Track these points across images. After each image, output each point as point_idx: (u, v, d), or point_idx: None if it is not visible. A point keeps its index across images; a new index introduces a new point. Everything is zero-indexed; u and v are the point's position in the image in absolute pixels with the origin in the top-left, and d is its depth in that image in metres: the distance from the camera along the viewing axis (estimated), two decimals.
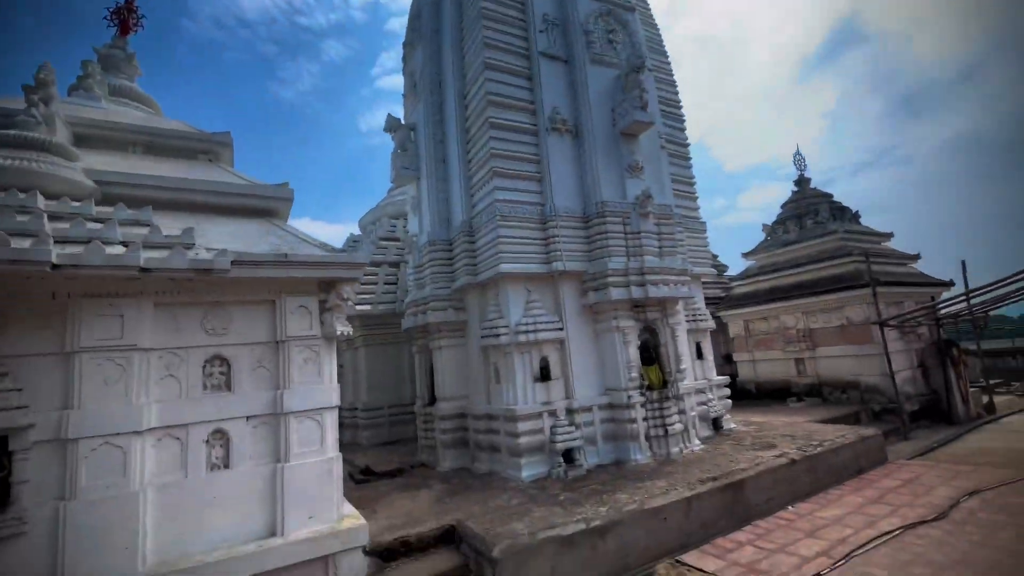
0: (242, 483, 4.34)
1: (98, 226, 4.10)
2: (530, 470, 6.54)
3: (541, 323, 7.09)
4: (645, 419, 7.08)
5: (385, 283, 11.59)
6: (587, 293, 7.52)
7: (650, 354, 7.64)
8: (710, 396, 8.44)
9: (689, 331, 8.66)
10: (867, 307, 10.60)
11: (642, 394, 7.13)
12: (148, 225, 4.42)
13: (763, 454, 6.62)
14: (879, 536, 4.89)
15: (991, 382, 13.09)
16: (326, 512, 4.54)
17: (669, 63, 10.18)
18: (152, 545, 3.88)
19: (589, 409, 7.15)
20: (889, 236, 13.76)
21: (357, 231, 15.38)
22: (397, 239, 12.53)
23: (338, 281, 4.92)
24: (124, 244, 4.00)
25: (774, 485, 6.00)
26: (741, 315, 13.76)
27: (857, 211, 13.84)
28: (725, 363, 14.40)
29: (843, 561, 4.44)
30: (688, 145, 9.91)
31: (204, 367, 4.40)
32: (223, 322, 4.55)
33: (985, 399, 11.60)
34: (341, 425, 10.90)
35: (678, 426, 7.20)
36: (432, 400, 8.29)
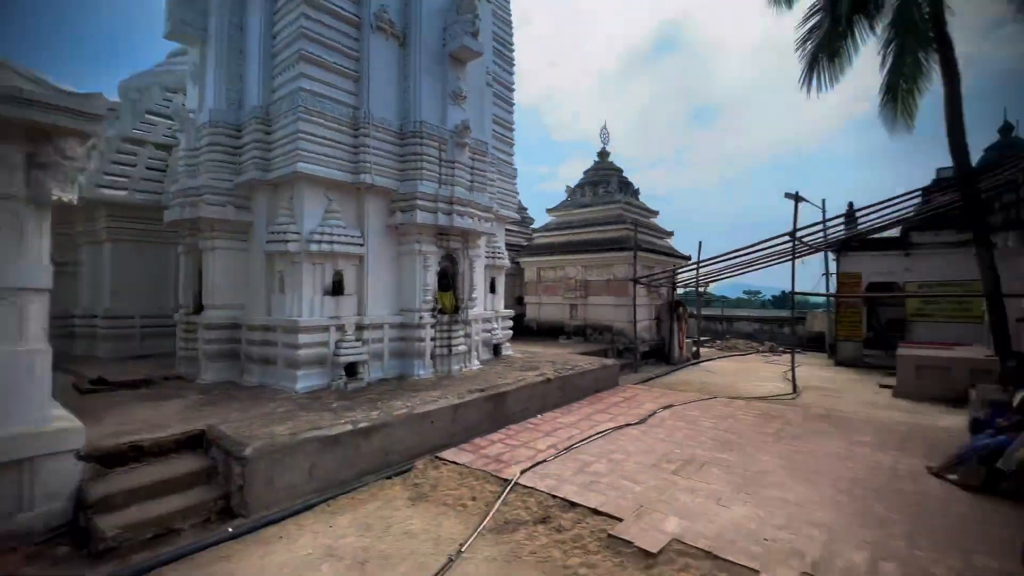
0: None
1: None
2: (307, 382, 6.34)
3: (339, 235, 6.74)
4: (433, 339, 7.45)
5: (148, 168, 9.48)
6: (394, 213, 7.38)
7: (447, 281, 7.97)
8: (495, 326, 9.28)
9: (487, 266, 9.25)
10: (628, 267, 12.80)
11: (433, 316, 7.45)
12: None
13: (527, 374, 7.64)
14: (596, 434, 6.16)
15: (701, 337, 17.27)
16: (23, 412, 3.69)
17: (508, 2, 10.18)
18: None
19: (380, 326, 7.18)
20: (656, 213, 16.67)
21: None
22: (172, 118, 10.25)
23: (58, 132, 3.82)
24: None
25: (530, 398, 7.01)
26: (536, 263, 15.27)
27: (638, 188, 16.36)
28: (517, 304, 15.92)
29: (565, 451, 5.49)
30: (514, 90, 10.20)
31: None
32: None
33: (695, 349, 15.31)
34: (72, 335, 9.03)
35: (462, 348, 7.78)
36: (199, 308, 7.28)
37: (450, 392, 6.29)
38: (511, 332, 9.88)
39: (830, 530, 3.74)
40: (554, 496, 4.30)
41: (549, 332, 14.38)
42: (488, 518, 3.97)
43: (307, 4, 6.43)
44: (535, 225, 19.04)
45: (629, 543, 3.50)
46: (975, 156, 11.46)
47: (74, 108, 3.77)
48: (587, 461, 5.21)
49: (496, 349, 9.27)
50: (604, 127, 16.30)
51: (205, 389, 6.43)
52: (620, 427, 6.53)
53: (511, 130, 10.13)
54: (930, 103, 9.36)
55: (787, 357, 13.68)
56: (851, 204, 13.89)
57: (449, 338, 7.62)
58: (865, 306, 13.99)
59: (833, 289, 14.04)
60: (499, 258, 9.54)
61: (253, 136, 6.84)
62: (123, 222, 8.96)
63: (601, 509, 4.01)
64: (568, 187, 16.45)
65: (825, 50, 9.69)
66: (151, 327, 9.26)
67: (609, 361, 9.72)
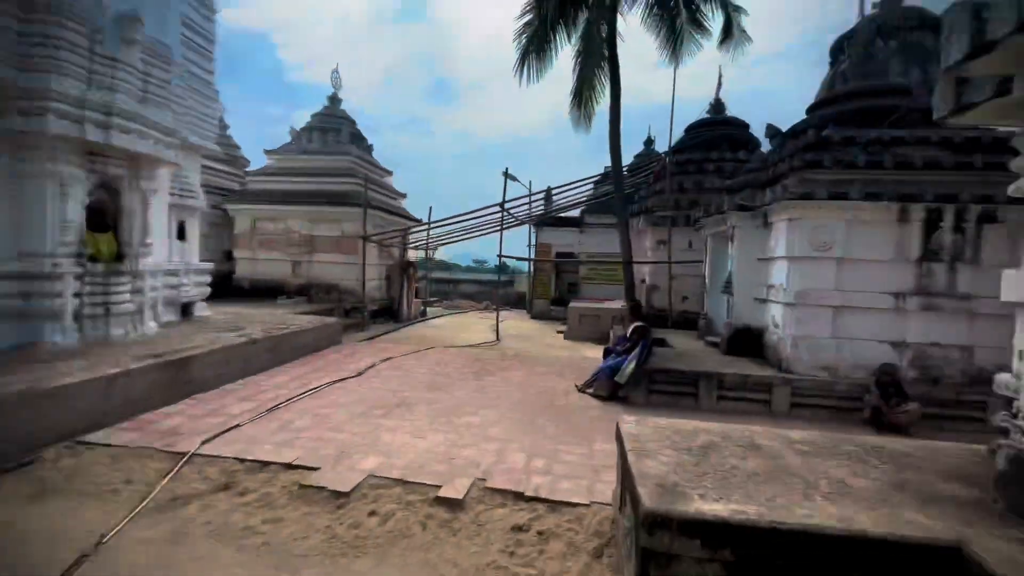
0: None
1: None
2: None
3: None
4: (79, 295, 5.64)
5: None
6: (8, 115, 5.16)
7: (105, 219, 6.12)
8: (184, 281, 7.65)
9: (172, 206, 7.51)
10: (359, 224, 12.43)
11: (79, 264, 5.62)
12: None
13: (225, 335, 6.63)
14: (307, 391, 5.84)
15: (430, 297, 18.33)
16: None
17: None
18: None
19: None
20: (390, 173, 16.60)
21: None
22: None
23: None
24: None
25: (228, 361, 6.12)
26: (251, 211, 13.28)
27: (372, 144, 15.91)
28: (226, 259, 13.60)
29: (266, 413, 5.02)
30: None
31: None
32: None
33: (423, 308, 16.12)
34: None
35: (128, 307, 6.16)
36: None
37: (104, 360, 4.91)
38: (208, 290, 8.34)
39: (502, 441, 4.49)
40: (243, 460, 3.87)
41: (266, 292, 12.81)
42: (148, 499, 3.29)
43: None
44: (252, 168, 16.53)
45: (322, 488, 3.43)
46: (628, 159, 15.30)
47: None
48: (290, 419, 4.88)
49: (186, 309, 7.69)
50: (336, 69, 15.10)
51: None
52: (335, 382, 6.36)
53: (211, 43, 8.31)
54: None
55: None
56: (549, 187, 16.73)
57: (106, 294, 5.90)
58: (553, 272, 17.22)
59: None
60: (190, 197, 7.86)
61: None
62: None
63: (296, 463, 3.81)
64: (293, 129, 14.76)
65: (534, 47, 11.13)
66: None
67: (331, 319, 9.32)
